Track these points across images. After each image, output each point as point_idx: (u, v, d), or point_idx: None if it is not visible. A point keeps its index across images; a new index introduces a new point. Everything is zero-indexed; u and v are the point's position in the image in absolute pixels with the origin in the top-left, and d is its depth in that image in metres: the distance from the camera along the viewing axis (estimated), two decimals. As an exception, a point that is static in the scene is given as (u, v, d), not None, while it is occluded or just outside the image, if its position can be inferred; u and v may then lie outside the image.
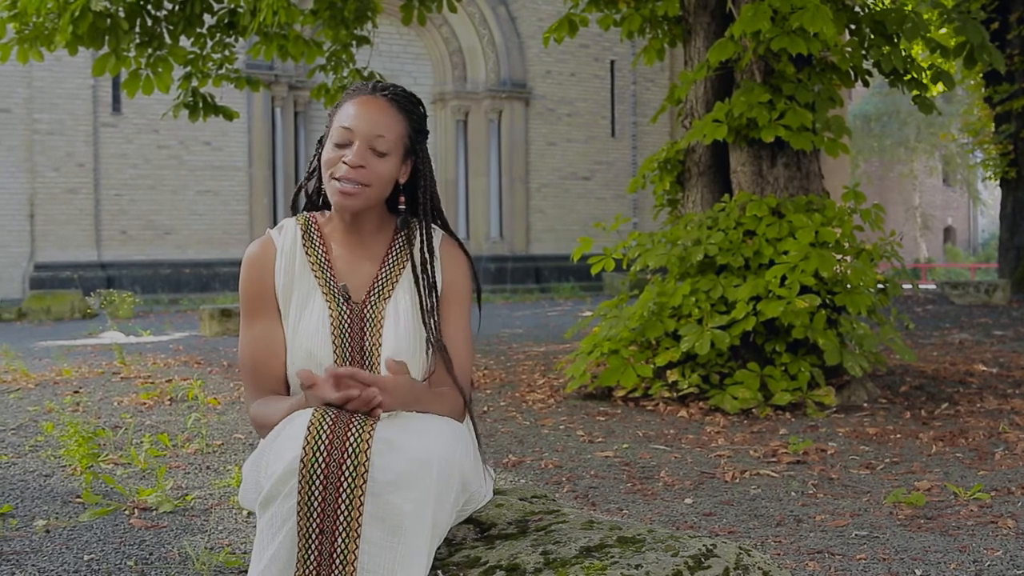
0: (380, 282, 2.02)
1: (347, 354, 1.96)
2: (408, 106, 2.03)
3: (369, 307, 1.99)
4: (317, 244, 2.04)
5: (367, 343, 1.97)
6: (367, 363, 1.97)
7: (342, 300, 1.99)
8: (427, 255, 2.04)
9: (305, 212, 2.12)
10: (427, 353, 2.00)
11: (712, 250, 5.84)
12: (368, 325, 1.98)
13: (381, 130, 1.97)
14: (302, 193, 2.17)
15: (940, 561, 2.92)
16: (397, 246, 2.06)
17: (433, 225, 2.09)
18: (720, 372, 5.84)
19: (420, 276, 2.02)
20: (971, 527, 3.30)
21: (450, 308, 2.05)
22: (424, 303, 2.01)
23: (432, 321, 2.01)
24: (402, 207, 2.06)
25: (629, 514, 3.54)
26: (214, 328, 10.60)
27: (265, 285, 2.02)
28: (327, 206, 2.11)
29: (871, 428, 5.12)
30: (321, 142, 2.09)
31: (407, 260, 2.05)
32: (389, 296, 2.01)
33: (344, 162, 1.95)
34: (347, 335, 1.97)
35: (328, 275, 2.02)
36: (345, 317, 1.98)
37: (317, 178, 2.11)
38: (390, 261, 2.05)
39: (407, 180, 2.06)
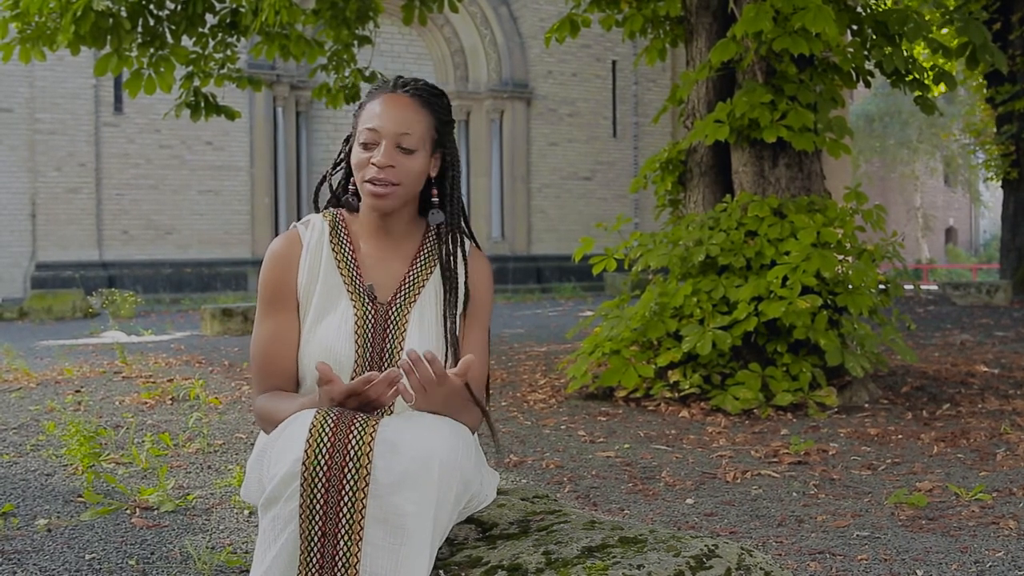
0: (408, 284, 2.01)
1: (368, 354, 1.96)
2: (431, 99, 2.01)
3: (395, 309, 1.98)
4: (344, 241, 2.03)
5: (388, 345, 1.96)
6: (387, 365, 1.96)
7: (367, 300, 1.98)
8: (451, 255, 2.03)
9: (331, 208, 2.11)
10: (447, 359, 2.00)
11: (714, 250, 5.84)
12: (392, 327, 1.97)
13: (406, 127, 1.96)
14: (324, 187, 2.15)
15: (941, 562, 2.92)
16: (427, 247, 2.05)
17: (461, 238, 2.09)
18: (721, 372, 5.84)
19: (446, 279, 2.02)
20: (972, 528, 3.30)
21: (472, 318, 2.05)
22: (447, 310, 2.01)
23: (453, 328, 2.01)
24: (435, 199, 2.04)
25: (630, 514, 3.54)
26: (215, 328, 10.60)
27: (287, 281, 2.00)
28: (350, 203, 2.10)
29: (872, 429, 5.12)
30: (348, 140, 2.08)
31: (436, 262, 2.04)
32: (415, 299, 2.00)
33: (373, 163, 1.94)
34: (370, 335, 1.96)
35: (354, 273, 2.00)
36: (369, 317, 1.97)
37: (344, 174, 2.11)
38: (420, 263, 2.04)
39: (437, 173, 2.05)
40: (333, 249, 2.02)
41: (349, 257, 2.02)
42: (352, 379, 1.94)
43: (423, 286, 2.02)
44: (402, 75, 2.07)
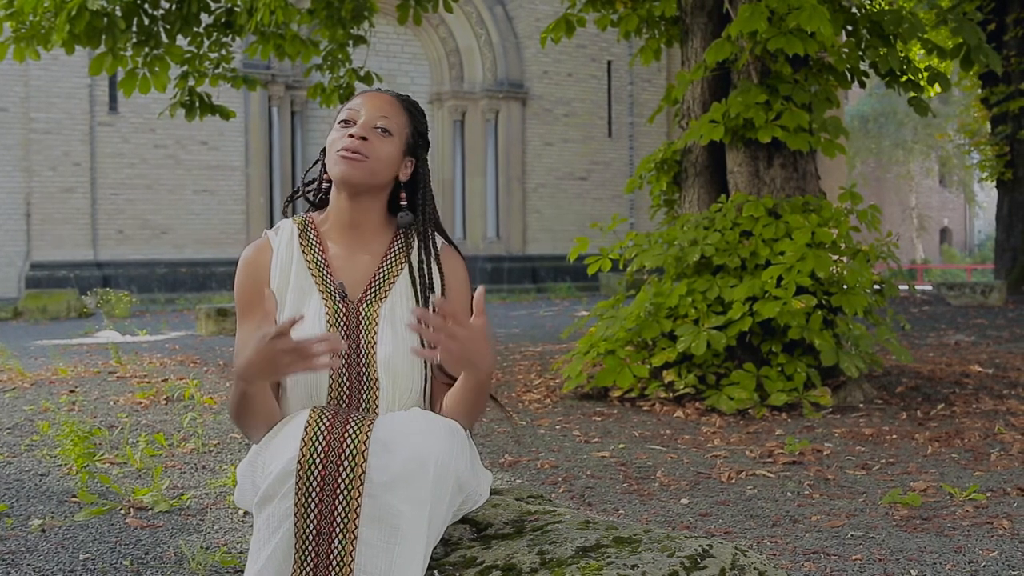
0: (378, 281, 2.02)
1: (342, 352, 1.96)
2: (412, 108, 2.07)
3: (365, 306, 1.99)
4: (314, 242, 2.05)
5: (363, 342, 1.97)
6: (362, 362, 1.96)
7: (339, 298, 1.99)
8: (425, 258, 2.05)
9: (301, 213, 2.13)
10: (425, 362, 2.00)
11: (709, 250, 5.84)
12: (364, 324, 1.98)
13: (385, 113, 2.01)
14: (299, 197, 2.19)
15: (936, 562, 2.93)
16: (396, 247, 2.07)
17: (432, 234, 2.10)
18: (716, 372, 5.84)
19: (417, 279, 2.03)
20: (967, 528, 3.31)
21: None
22: (419, 301, 2.01)
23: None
24: (403, 203, 2.07)
25: (625, 514, 3.54)
26: (210, 328, 10.59)
27: (260, 286, 2.01)
28: (324, 204, 2.12)
29: (867, 429, 5.13)
30: (324, 152, 2.10)
31: (405, 261, 2.05)
32: (385, 297, 2.01)
33: (350, 134, 1.98)
34: (343, 333, 1.97)
35: (324, 272, 2.02)
36: (341, 315, 1.97)
37: (319, 182, 2.13)
38: (389, 261, 2.05)
39: (408, 180, 2.08)
40: (303, 249, 2.04)
41: (319, 256, 2.03)
42: (331, 380, 1.94)
43: (393, 283, 2.02)
44: (378, 79, 2.12)
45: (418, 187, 2.09)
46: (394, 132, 2.01)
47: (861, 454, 4.57)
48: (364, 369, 1.96)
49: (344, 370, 1.95)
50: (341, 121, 2.02)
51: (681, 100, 6.78)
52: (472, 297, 2.06)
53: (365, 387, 1.96)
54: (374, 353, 1.97)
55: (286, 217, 2.16)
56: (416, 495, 1.69)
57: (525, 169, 20.44)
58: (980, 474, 4.13)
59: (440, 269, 2.06)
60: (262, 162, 17.96)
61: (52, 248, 16.57)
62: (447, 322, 1.77)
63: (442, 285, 2.06)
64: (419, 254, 2.05)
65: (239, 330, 2.03)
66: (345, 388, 1.95)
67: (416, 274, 2.03)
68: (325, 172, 2.09)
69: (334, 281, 2.01)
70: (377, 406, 1.96)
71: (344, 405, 1.95)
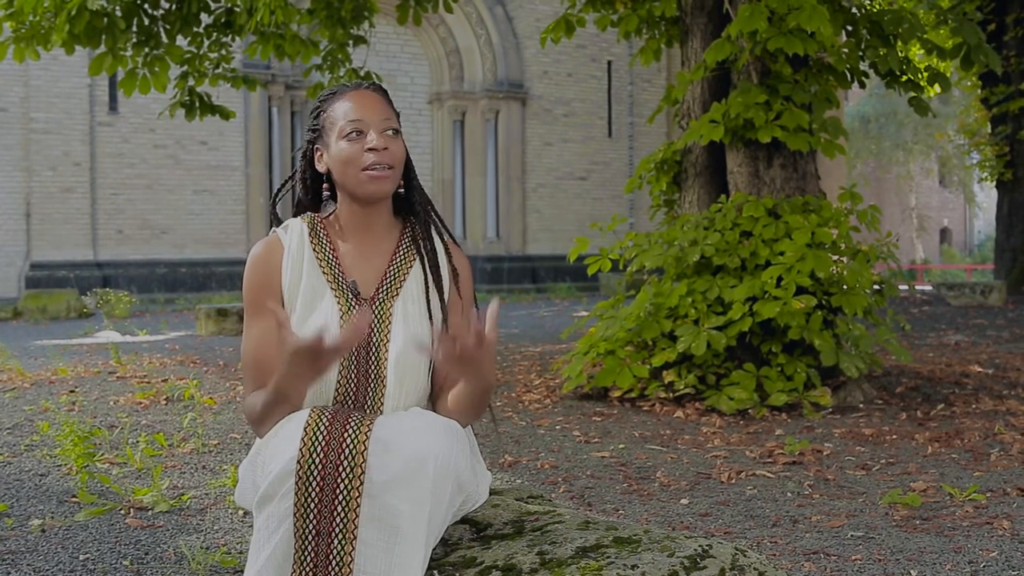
0: (389, 278, 2.03)
1: (355, 350, 1.97)
2: (388, 97, 2.10)
3: (377, 304, 2.00)
4: (324, 242, 2.06)
5: (375, 339, 1.97)
6: (373, 360, 1.97)
7: (351, 296, 2.00)
8: (424, 231, 2.07)
9: (308, 212, 2.13)
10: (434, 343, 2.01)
11: (709, 251, 5.84)
12: (377, 321, 1.99)
13: (387, 114, 2.03)
14: (282, 201, 2.19)
15: (935, 562, 2.93)
16: (405, 243, 2.08)
17: (435, 229, 2.11)
18: (716, 373, 5.84)
19: (426, 259, 2.04)
20: (966, 528, 3.31)
21: (465, 303, 2.09)
22: (430, 295, 2.03)
23: (441, 304, 2.03)
24: (401, 191, 2.09)
25: (625, 514, 3.54)
26: (210, 328, 10.58)
27: (271, 283, 2.02)
28: (316, 208, 2.13)
29: (867, 429, 5.12)
30: (307, 153, 2.10)
31: (415, 258, 2.07)
32: (397, 294, 2.02)
33: (371, 148, 1.98)
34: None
35: (337, 271, 2.02)
36: (354, 312, 1.98)
37: (306, 184, 2.13)
38: (399, 258, 2.06)
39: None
40: (314, 248, 2.04)
41: (330, 255, 2.04)
42: (340, 376, 1.94)
43: (404, 279, 2.04)
44: (378, 79, 2.13)
45: (411, 169, 2.11)
46: (399, 128, 2.04)
47: (861, 454, 4.57)
48: (373, 367, 1.97)
49: (353, 368, 1.96)
50: (350, 133, 1.99)
51: (681, 100, 6.78)
52: (474, 296, 2.09)
53: (372, 385, 1.96)
54: (386, 351, 1.97)
55: (275, 215, 2.17)
56: (416, 495, 1.69)
57: (525, 169, 20.44)
58: (980, 474, 4.13)
59: (450, 259, 2.08)
60: (262, 162, 17.97)
61: (52, 248, 16.57)
62: (464, 345, 1.78)
63: (455, 275, 2.08)
64: (424, 241, 2.07)
65: (248, 328, 2.03)
66: (352, 386, 1.96)
67: (427, 263, 2.05)
68: (326, 183, 2.09)
69: (346, 279, 2.02)
70: (382, 404, 1.96)
71: (350, 403, 1.96)
